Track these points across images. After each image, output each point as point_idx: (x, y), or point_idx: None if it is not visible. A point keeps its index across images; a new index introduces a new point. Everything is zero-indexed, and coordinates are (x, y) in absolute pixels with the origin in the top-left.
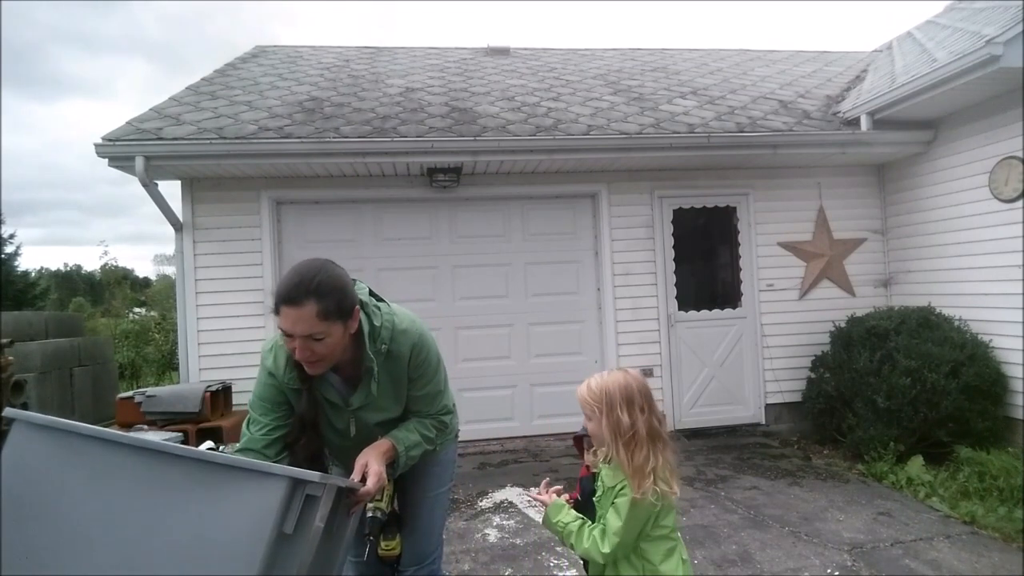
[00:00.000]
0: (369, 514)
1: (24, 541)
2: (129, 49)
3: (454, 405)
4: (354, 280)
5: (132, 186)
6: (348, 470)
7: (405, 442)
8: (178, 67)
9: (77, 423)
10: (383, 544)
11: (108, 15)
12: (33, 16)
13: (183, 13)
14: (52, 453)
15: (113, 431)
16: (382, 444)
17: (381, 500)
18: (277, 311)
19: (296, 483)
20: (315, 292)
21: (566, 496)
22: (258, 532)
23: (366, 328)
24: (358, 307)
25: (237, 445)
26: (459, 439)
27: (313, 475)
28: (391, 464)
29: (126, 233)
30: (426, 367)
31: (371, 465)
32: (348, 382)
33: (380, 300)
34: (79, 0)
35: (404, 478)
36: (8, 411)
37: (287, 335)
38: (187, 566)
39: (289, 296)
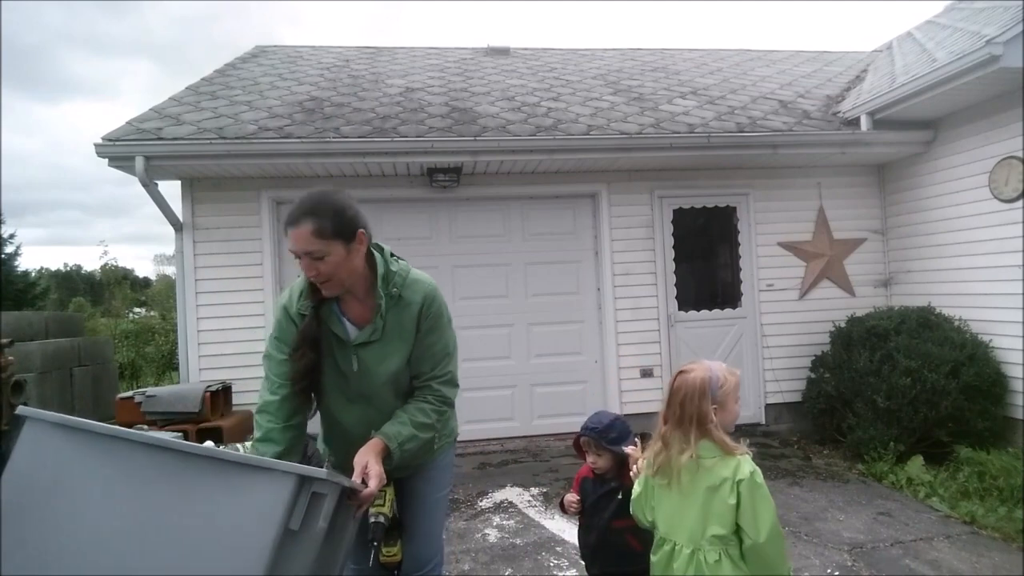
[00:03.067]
0: (372, 519)
1: (36, 538)
2: (137, 51)
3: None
4: (380, 245)
5: (135, 186)
6: (346, 463)
7: (397, 438)
8: (185, 69)
9: (88, 421)
10: (384, 551)
11: (117, 17)
12: (41, 18)
13: (190, 15)
14: (63, 451)
15: (124, 428)
16: (376, 443)
17: (383, 505)
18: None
19: (303, 480)
20: (311, 212)
21: (573, 498)
22: (266, 528)
23: (381, 270)
24: (363, 231)
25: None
26: (459, 439)
27: (320, 472)
28: (386, 459)
29: (128, 233)
30: (437, 320)
31: (371, 466)
32: (356, 325)
33: (401, 259)
34: (89, 1)
35: (402, 483)
36: (22, 409)
37: (295, 255)
38: (196, 561)
39: (291, 218)
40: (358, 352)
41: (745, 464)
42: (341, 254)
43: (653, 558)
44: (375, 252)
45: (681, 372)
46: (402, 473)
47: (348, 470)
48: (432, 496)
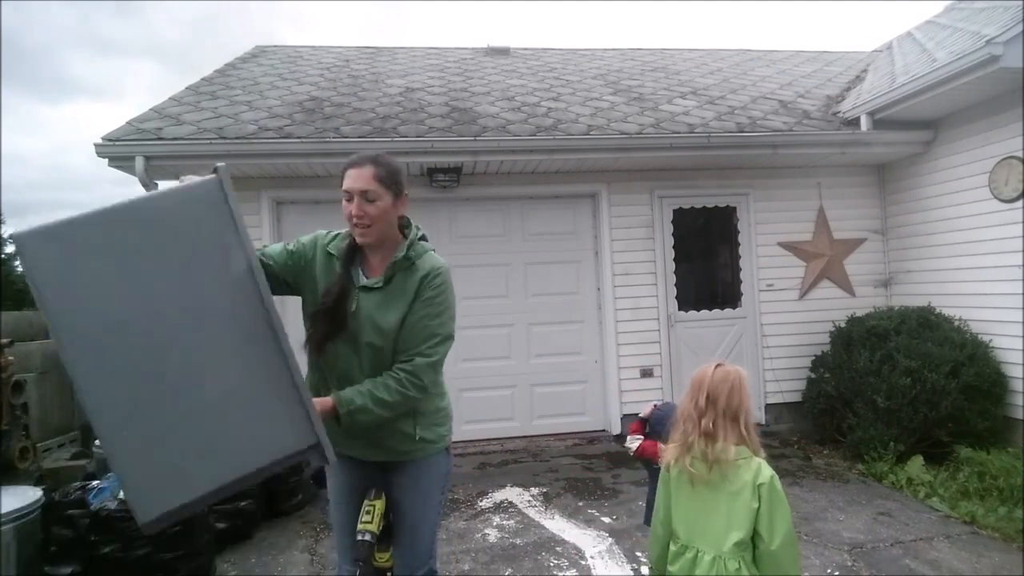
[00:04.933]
0: (359, 536)
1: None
2: (142, 52)
3: (447, 408)
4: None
5: (136, 187)
6: (346, 435)
7: (349, 404)
8: (189, 70)
9: (72, 217)
10: (376, 555)
11: (122, 18)
12: (46, 19)
13: (195, 17)
14: (66, 251)
15: (102, 209)
16: (326, 402)
17: (371, 522)
18: (343, 179)
19: None
20: (373, 161)
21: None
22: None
23: (413, 235)
24: (407, 195)
25: None
26: (459, 439)
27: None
28: (335, 421)
29: None
30: (437, 294)
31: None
32: (367, 278)
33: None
34: (94, 1)
35: (394, 491)
36: (14, 233)
37: (347, 195)
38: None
39: (354, 162)
40: (360, 295)
41: (765, 468)
42: (388, 204)
43: (672, 568)
44: (413, 225)
45: (719, 366)
46: (382, 455)
47: (347, 439)
48: (421, 505)
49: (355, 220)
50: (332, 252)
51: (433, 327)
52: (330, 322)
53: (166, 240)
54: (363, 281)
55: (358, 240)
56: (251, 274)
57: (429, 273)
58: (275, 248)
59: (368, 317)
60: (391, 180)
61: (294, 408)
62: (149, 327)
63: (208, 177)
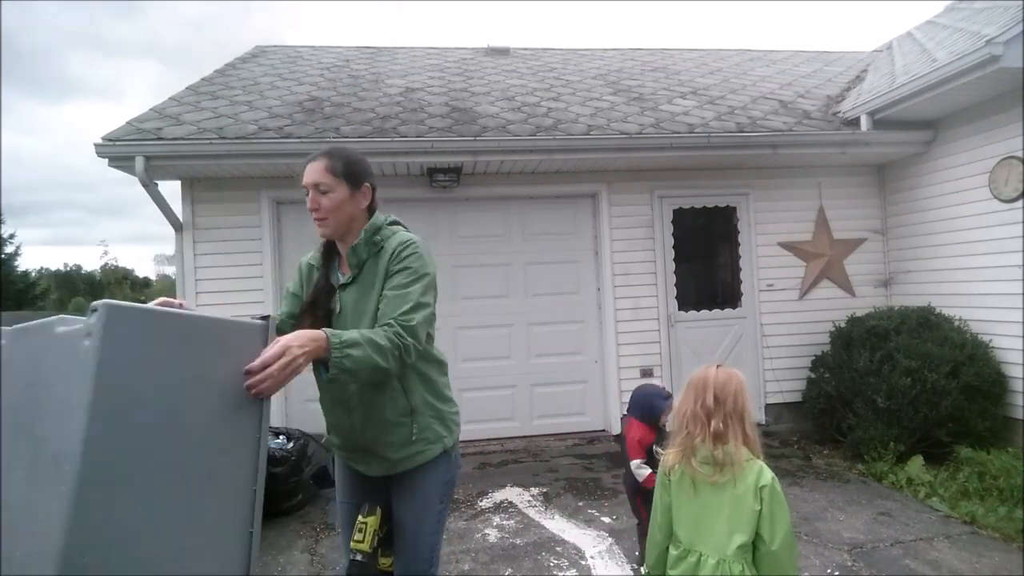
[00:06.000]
0: (351, 556)
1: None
2: (143, 52)
3: (448, 411)
4: (396, 219)
5: (138, 187)
6: (346, 443)
7: (341, 335)
8: (191, 71)
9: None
10: (381, 560)
11: (124, 19)
12: (48, 20)
13: (196, 17)
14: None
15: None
16: (316, 335)
17: (362, 542)
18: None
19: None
20: (327, 154)
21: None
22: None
23: (378, 220)
24: (368, 186)
25: None
26: (460, 439)
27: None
28: (324, 362)
29: (131, 233)
30: (407, 263)
31: (280, 340)
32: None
33: (405, 229)
34: (102, 1)
35: (393, 498)
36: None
37: (305, 190)
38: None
39: (309, 158)
40: (340, 295)
41: (766, 470)
42: (344, 195)
43: (673, 573)
44: (378, 213)
45: (719, 367)
46: (384, 468)
47: (349, 448)
48: (419, 514)
49: (312, 214)
50: (312, 263)
51: (403, 295)
52: (313, 320)
53: (208, 355)
54: (342, 279)
55: (320, 234)
56: (259, 412)
57: (396, 247)
58: (290, 285)
59: (350, 314)
60: (346, 171)
61: (241, 548)
62: (166, 420)
63: (258, 322)
